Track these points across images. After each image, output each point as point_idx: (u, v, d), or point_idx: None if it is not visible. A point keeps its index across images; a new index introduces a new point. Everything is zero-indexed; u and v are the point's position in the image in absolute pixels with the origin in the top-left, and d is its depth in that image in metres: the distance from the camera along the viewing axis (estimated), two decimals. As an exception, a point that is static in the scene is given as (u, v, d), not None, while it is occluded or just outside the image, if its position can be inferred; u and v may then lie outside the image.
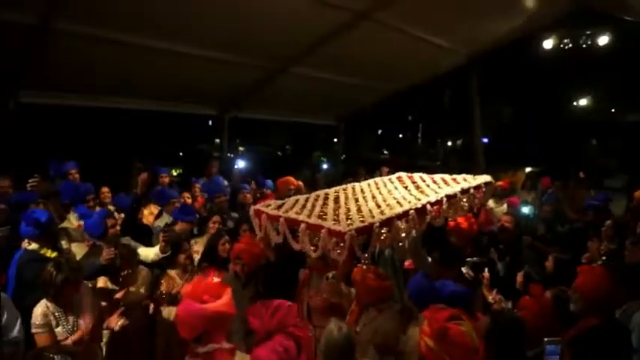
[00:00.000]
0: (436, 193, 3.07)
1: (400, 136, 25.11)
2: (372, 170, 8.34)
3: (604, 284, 2.71)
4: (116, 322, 3.15)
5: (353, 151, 15.53)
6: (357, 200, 3.08)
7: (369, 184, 3.57)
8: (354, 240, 2.32)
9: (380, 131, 24.26)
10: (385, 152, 23.28)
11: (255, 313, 2.02)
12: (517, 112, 20.13)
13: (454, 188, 3.17)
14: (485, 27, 7.75)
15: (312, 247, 2.54)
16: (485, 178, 3.51)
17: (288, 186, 5.78)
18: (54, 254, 3.27)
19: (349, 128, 11.51)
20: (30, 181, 4.72)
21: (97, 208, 4.78)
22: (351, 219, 2.57)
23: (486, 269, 3.76)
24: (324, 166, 13.78)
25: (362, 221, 2.51)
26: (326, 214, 2.75)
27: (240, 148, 18.42)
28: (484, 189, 3.43)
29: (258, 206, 3.05)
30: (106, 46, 5.60)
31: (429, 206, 2.87)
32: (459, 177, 3.50)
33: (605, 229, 4.50)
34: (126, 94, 7.20)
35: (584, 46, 10.20)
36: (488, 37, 8.22)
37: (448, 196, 3.05)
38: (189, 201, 5.80)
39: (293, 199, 3.26)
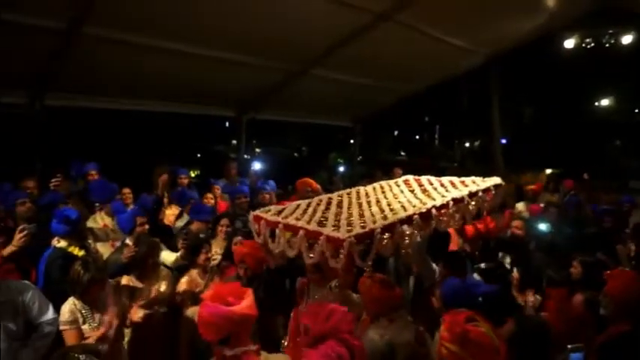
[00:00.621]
0: (443, 196, 2.97)
1: (417, 137, 24.96)
2: (388, 172, 8.32)
3: (635, 288, 2.65)
4: (137, 314, 3.17)
5: (369, 152, 15.50)
6: (360, 205, 3.00)
7: (374, 188, 3.48)
8: (352, 247, 2.24)
9: (396, 132, 24.15)
10: (402, 154, 23.17)
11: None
12: (537, 112, 19.85)
13: (462, 191, 3.07)
14: (505, 27, 7.67)
15: (310, 255, 2.46)
16: (495, 180, 3.38)
17: (307, 187, 5.79)
18: (81, 252, 3.36)
19: (366, 129, 11.49)
20: (52, 180, 4.84)
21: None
22: (352, 225, 2.50)
23: (515, 270, 3.67)
24: (341, 169, 13.76)
25: (363, 227, 2.44)
26: (327, 219, 2.67)
27: (257, 150, 18.53)
28: (493, 192, 3.30)
29: (257, 212, 2.98)
30: (129, 50, 5.70)
31: (434, 211, 2.76)
32: (468, 179, 3.40)
33: (631, 232, 4.41)
34: (147, 96, 7.30)
35: (607, 45, 10.01)
36: (508, 37, 8.13)
37: (455, 200, 2.94)
38: (212, 202, 5.85)
39: (295, 204, 3.20)
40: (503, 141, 12.49)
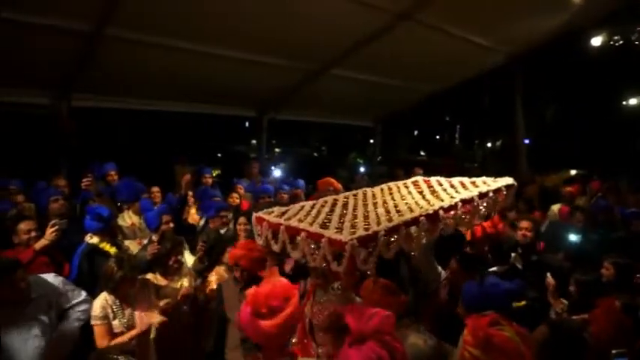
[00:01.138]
0: (452, 197, 2.86)
1: (437, 137, 24.69)
2: (409, 172, 8.24)
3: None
4: (156, 319, 3.18)
5: (389, 152, 15.41)
6: (366, 206, 2.91)
7: (381, 189, 3.39)
8: (355, 250, 2.16)
9: (416, 132, 23.94)
10: (422, 154, 22.95)
11: (352, 312, 1.97)
12: (561, 111, 19.39)
13: (471, 192, 2.96)
14: (529, 24, 7.52)
15: (312, 257, 2.38)
16: (507, 180, 3.26)
17: (329, 187, 5.79)
18: (112, 249, 3.44)
19: (386, 129, 11.43)
20: (84, 181, 4.97)
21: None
22: (355, 227, 2.42)
23: (548, 274, 3.53)
24: (361, 169, 13.71)
25: (366, 229, 2.35)
26: (330, 221, 2.60)
27: (277, 150, 18.61)
28: (505, 192, 3.17)
29: (260, 213, 2.90)
30: (151, 51, 5.81)
31: (442, 212, 2.66)
32: (479, 180, 3.29)
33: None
34: (170, 96, 7.43)
35: (636, 42, 9.73)
36: (532, 35, 7.98)
37: (464, 201, 2.84)
38: (237, 201, 5.91)
39: (299, 205, 3.13)
40: (526, 141, 12.25)
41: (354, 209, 2.85)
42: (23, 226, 3.57)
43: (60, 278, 3.11)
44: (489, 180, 3.26)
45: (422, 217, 2.52)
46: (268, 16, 5.66)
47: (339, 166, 15.29)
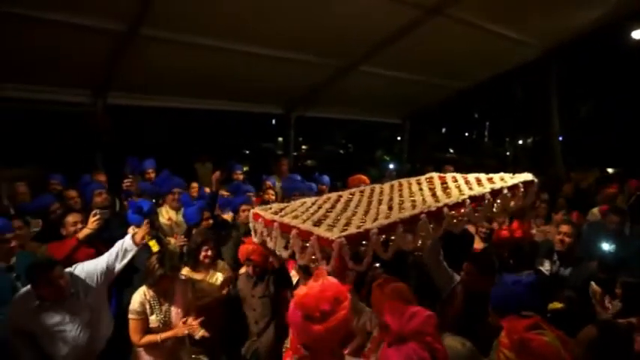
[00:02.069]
0: (461, 194, 2.73)
1: (466, 134, 24.23)
2: (439, 170, 8.12)
3: None
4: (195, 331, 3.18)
5: (417, 149, 15.22)
6: (369, 203, 2.81)
7: (391, 185, 3.30)
8: (343, 249, 2.04)
9: (444, 129, 23.56)
10: (451, 151, 22.58)
11: (392, 311, 1.88)
12: (596, 107, 18.71)
13: (483, 189, 2.82)
14: (565, 17, 7.27)
15: (302, 255, 2.29)
16: (526, 177, 3.12)
17: (359, 184, 5.77)
18: (152, 242, 3.54)
19: (413, 126, 11.31)
20: (125, 181, 5.13)
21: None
22: (349, 225, 2.31)
23: (592, 283, 3.33)
24: (390, 166, 13.60)
25: (359, 227, 2.23)
26: (326, 218, 2.51)
27: (303, 147, 18.66)
28: (522, 189, 3.01)
29: (257, 209, 2.85)
30: (183, 50, 5.90)
31: (446, 210, 2.51)
32: (496, 176, 3.16)
33: None
34: (200, 94, 7.55)
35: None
36: (568, 27, 7.71)
37: (473, 198, 2.70)
38: (273, 198, 5.95)
39: (301, 201, 3.07)
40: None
41: (357, 206, 2.77)
42: (70, 218, 3.74)
43: (83, 266, 3.20)
44: (507, 176, 3.13)
45: (422, 215, 2.38)
46: (298, 13, 5.66)
47: (366, 164, 15.20)
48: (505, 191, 2.87)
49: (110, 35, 5.29)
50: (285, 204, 2.95)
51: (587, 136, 16.83)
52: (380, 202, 2.78)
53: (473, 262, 3.30)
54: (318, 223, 2.39)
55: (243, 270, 3.89)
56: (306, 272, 2.82)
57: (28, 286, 2.92)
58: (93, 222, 3.58)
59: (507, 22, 6.90)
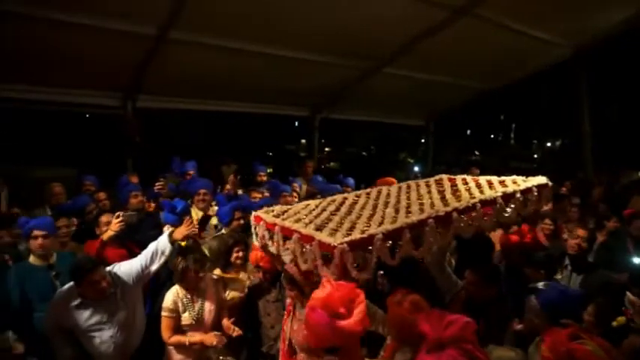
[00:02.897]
0: (472, 198, 2.60)
1: (491, 136, 23.82)
2: (462, 172, 8.00)
3: None
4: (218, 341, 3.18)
5: (441, 151, 15.06)
6: (375, 206, 2.67)
7: (399, 188, 3.15)
8: (345, 255, 1.94)
9: (469, 131, 23.22)
10: (476, 153, 22.22)
11: (428, 319, 1.84)
12: (627, 109, 18.12)
13: (495, 193, 2.69)
14: (596, 16, 7.09)
15: (303, 261, 2.19)
16: (540, 180, 2.99)
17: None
18: (183, 242, 3.60)
19: (437, 128, 11.20)
20: (157, 184, 5.23)
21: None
22: (353, 229, 2.21)
23: (628, 293, 3.11)
24: (415, 168, 13.49)
25: (363, 232, 2.11)
26: (329, 222, 2.40)
27: (326, 149, 18.69)
28: (535, 192, 2.88)
29: (259, 212, 2.72)
30: (211, 53, 5.98)
31: (455, 214, 2.39)
32: (509, 179, 3.03)
33: None
34: (226, 97, 7.65)
35: None
36: (598, 27, 7.52)
37: (484, 202, 2.56)
38: (297, 199, 5.95)
39: (304, 203, 2.97)
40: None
41: (362, 209, 2.65)
42: (104, 218, 3.85)
43: (120, 266, 3.27)
44: (520, 179, 3.02)
45: (430, 220, 2.26)
46: (324, 15, 5.68)
47: (390, 166, 15.11)
48: (518, 195, 2.76)
49: (140, 39, 5.42)
50: (287, 207, 2.83)
51: (617, 139, 16.32)
52: (386, 205, 2.66)
53: (476, 271, 3.16)
54: (320, 228, 2.27)
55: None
56: (292, 283, 2.68)
57: (70, 284, 3.02)
58: (116, 224, 3.66)
59: (536, 21, 6.77)
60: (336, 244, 1.97)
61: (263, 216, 2.63)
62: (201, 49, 5.85)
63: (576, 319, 2.20)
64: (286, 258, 2.36)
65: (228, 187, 6.03)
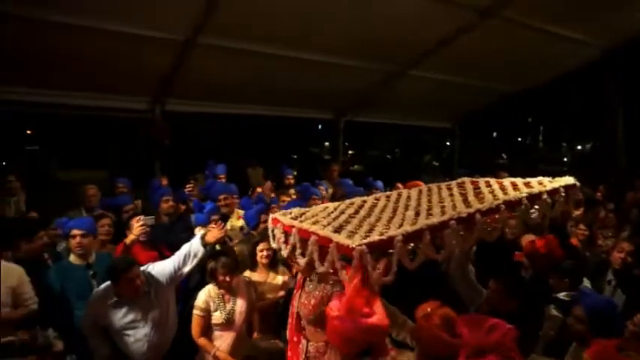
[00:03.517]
0: (496, 199, 2.51)
1: (519, 139, 23.33)
2: (490, 176, 7.84)
3: None
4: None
5: (467, 155, 14.83)
6: (395, 209, 2.62)
7: (420, 191, 3.09)
8: (364, 257, 1.90)
9: (495, 134, 22.79)
10: (504, 156, 21.79)
11: (467, 324, 1.82)
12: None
13: (520, 194, 2.59)
14: (625, 15, 6.89)
15: (322, 264, 2.15)
16: (568, 180, 2.88)
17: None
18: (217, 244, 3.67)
19: (463, 131, 11.06)
20: (187, 187, 5.34)
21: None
22: (372, 232, 2.17)
23: None
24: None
25: (382, 234, 2.06)
26: (348, 224, 2.36)
27: (350, 152, 18.65)
28: (563, 193, 2.78)
29: (276, 214, 2.72)
30: (237, 57, 6.07)
31: (478, 216, 2.30)
32: (534, 180, 2.93)
33: None
34: (252, 100, 7.71)
35: None
36: (629, 26, 7.31)
37: (508, 204, 2.47)
38: (320, 202, 5.98)
39: (323, 206, 2.95)
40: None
41: (381, 212, 2.60)
42: (134, 222, 3.92)
43: (154, 266, 3.34)
44: (546, 180, 2.92)
45: (452, 221, 2.19)
46: (349, 19, 5.70)
47: (415, 169, 14.96)
48: (544, 196, 2.66)
49: (170, 45, 5.54)
50: (305, 209, 2.80)
51: None
52: (406, 207, 2.61)
53: (500, 281, 3.02)
54: (338, 230, 2.25)
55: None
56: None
57: (107, 283, 3.12)
58: (137, 228, 3.73)
59: (564, 21, 6.63)
60: (354, 246, 1.93)
61: (280, 218, 2.62)
62: (228, 53, 5.94)
63: (618, 331, 2.11)
64: (301, 261, 2.33)
65: (259, 189, 6.09)
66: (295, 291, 3.04)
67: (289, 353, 2.93)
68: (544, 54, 7.46)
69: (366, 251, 1.91)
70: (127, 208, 4.66)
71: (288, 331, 3.03)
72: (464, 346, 1.74)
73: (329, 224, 2.34)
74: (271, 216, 2.74)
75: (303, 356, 2.80)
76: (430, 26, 6.20)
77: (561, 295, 3.31)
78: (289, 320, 2.99)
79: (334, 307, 1.95)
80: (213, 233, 3.29)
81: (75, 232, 3.47)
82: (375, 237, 2.02)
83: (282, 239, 2.52)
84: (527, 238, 4.26)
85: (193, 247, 3.26)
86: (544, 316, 3.18)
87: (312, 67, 6.65)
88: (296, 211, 2.72)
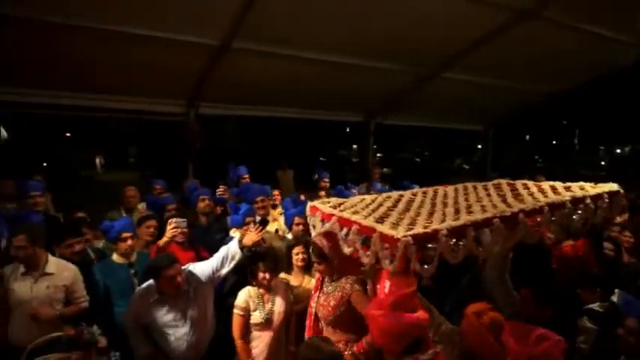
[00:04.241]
0: (537, 201, 2.47)
1: (554, 142, 22.64)
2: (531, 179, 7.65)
3: None
4: None
5: (499, 157, 14.52)
6: (433, 205, 2.62)
7: (456, 189, 3.07)
8: (409, 249, 1.89)
9: (528, 137, 22.18)
10: (539, 160, 21.19)
11: (513, 333, 1.81)
12: None
13: (563, 197, 2.56)
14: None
15: (365, 253, 2.16)
16: (611, 186, 2.86)
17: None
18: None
19: (495, 134, 10.83)
20: (218, 190, 5.44)
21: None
22: (414, 224, 2.16)
23: None
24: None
25: (426, 227, 2.07)
26: (389, 216, 2.35)
27: (378, 154, 18.55)
28: (607, 199, 2.75)
29: (315, 203, 2.77)
30: (271, 61, 6.13)
31: (522, 216, 2.26)
32: (575, 185, 2.90)
33: None
34: (283, 103, 7.79)
35: None
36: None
37: (552, 206, 2.43)
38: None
39: (360, 197, 2.96)
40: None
41: (419, 207, 2.60)
42: (168, 224, 3.97)
43: (194, 266, 3.39)
44: (588, 185, 2.88)
45: (496, 219, 2.18)
46: (382, 21, 5.66)
47: (445, 173, 14.75)
48: (588, 200, 2.63)
49: (205, 49, 5.65)
50: (342, 199, 2.84)
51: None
52: (445, 204, 2.61)
53: (532, 289, 2.91)
54: (380, 221, 2.26)
55: None
56: (321, 256, 2.74)
57: (150, 281, 3.20)
58: (169, 230, 3.80)
59: (608, 21, 6.40)
60: (399, 237, 1.94)
61: (320, 206, 2.65)
62: (261, 57, 6.00)
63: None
64: (347, 250, 2.36)
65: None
66: (313, 292, 3.06)
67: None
68: (583, 55, 7.23)
69: (411, 242, 1.91)
70: (169, 208, 4.75)
71: (306, 333, 3.06)
72: (510, 354, 1.70)
73: (370, 215, 2.36)
74: (309, 204, 2.79)
75: None
76: (464, 27, 6.10)
77: (594, 306, 3.19)
78: (307, 322, 3.02)
79: (374, 307, 1.96)
80: (251, 236, 3.31)
81: (125, 234, 3.59)
82: (419, 229, 2.03)
83: (322, 227, 2.56)
84: (567, 245, 4.15)
85: (231, 249, 3.30)
86: (577, 327, 3.08)
87: (343, 69, 6.64)
88: (334, 200, 2.78)
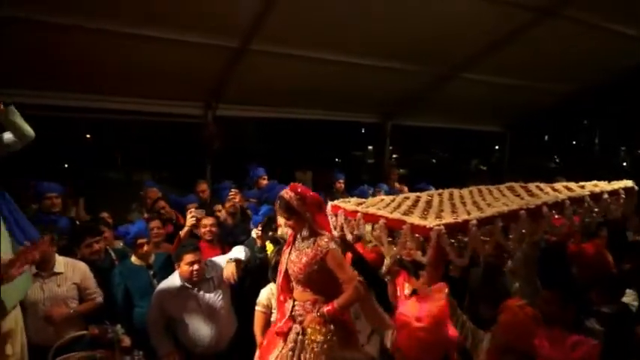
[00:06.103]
0: (560, 194, 2.59)
1: (573, 142, 22.23)
2: (549, 181, 7.52)
3: None
4: None
5: (517, 158, 14.32)
6: (453, 204, 2.63)
7: (470, 191, 3.10)
8: (442, 238, 1.91)
9: (546, 137, 21.80)
10: (557, 161, 20.82)
11: (547, 337, 1.81)
12: None
13: (582, 192, 2.67)
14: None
15: (392, 247, 2.19)
16: (626, 183, 3.00)
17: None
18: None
19: (514, 135, 10.68)
20: (230, 193, 5.48)
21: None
22: (441, 217, 2.18)
23: None
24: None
25: (455, 218, 2.11)
26: (413, 212, 2.38)
27: (394, 155, 18.45)
28: (623, 195, 2.88)
29: (336, 202, 2.80)
30: (288, 62, 6.13)
31: (545, 208, 2.32)
32: (588, 184, 3.02)
33: None
34: (301, 105, 7.80)
35: None
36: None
37: (573, 200, 2.54)
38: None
39: (378, 198, 3.02)
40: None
41: (440, 205, 2.64)
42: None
43: (217, 258, 3.49)
44: (602, 183, 3.00)
45: (522, 211, 2.23)
46: (399, 22, 5.62)
47: (461, 174, 14.60)
48: (605, 196, 2.75)
49: (224, 51, 5.68)
50: (362, 199, 2.88)
51: None
52: (464, 204, 2.64)
53: (556, 290, 2.80)
54: (407, 214, 2.30)
55: None
56: (289, 210, 2.66)
57: (175, 273, 3.31)
58: (189, 219, 3.95)
59: (627, 18, 6.25)
60: (432, 226, 1.98)
61: (342, 205, 2.71)
62: (278, 58, 6.01)
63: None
64: (370, 244, 2.45)
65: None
66: (285, 247, 2.94)
67: (278, 315, 2.91)
68: (604, 53, 7.10)
69: (443, 231, 1.95)
70: (189, 207, 4.79)
71: (275, 290, 3.00)
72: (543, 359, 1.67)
73: (395, 210, 2.41)
74: (330, 204, 2.82)
75: (288, 314, 2.77)
76: (483, 27, 6.02)
77: (604, 308, 3.13)
78: (277, 279, 2.92)
79: (411, 315, 1.89)
80: (230, 269, 3.30)
81: (141, 240, 3.67)
82: (450, 219, 2.07)
83: (346, 225, 2.61)
84: (587, 244, 4.06)
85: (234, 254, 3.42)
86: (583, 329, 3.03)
87: (361, 70, 6.62)
88: (354, 200, 2.83)
